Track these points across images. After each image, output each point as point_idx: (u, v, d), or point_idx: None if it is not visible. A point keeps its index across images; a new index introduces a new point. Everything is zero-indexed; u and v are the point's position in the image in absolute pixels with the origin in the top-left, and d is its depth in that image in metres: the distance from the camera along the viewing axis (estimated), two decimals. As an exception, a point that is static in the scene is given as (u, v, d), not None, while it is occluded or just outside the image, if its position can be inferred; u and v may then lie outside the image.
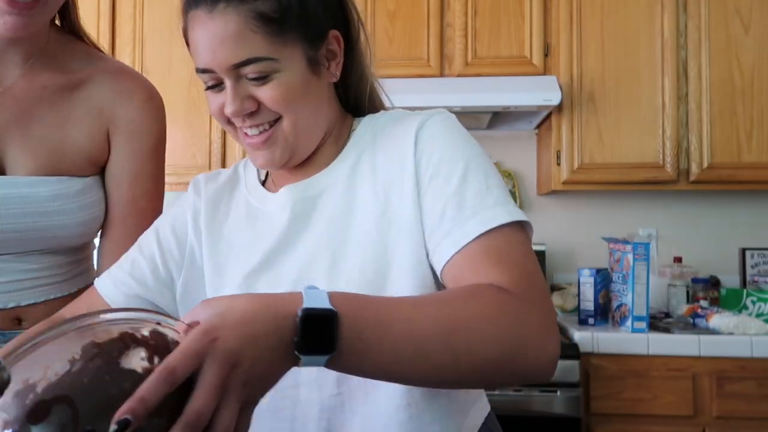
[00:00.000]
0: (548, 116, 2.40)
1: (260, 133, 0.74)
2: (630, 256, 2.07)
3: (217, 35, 0.70)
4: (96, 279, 0.84)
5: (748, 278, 2.48)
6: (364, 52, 0.84)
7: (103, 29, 2.52)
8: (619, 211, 2.67)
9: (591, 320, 2.17)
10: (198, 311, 0.50)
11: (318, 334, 0.50)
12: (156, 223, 0.87)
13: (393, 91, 2.52)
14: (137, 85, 1.01)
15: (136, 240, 0.87)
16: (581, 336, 2.02)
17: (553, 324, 0.64)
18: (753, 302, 2.18)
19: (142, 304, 0.79)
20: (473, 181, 0.71)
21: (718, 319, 2.04)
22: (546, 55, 2.36)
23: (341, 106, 0.84)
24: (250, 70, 0.71)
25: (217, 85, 0.74)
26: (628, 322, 2.06)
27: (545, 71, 2.35)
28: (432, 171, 0.72)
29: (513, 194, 2.69)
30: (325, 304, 0.51)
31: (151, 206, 1.01)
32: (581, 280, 2.20)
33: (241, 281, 0.77)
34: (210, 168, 2.46)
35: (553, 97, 2.20)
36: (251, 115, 0.73)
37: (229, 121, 0.76)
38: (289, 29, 0.71)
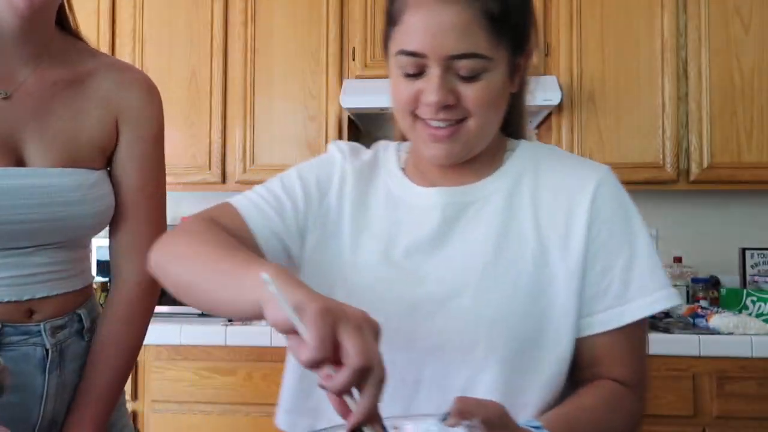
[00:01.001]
0: (548, 116, 2.40)
1: (446, 127, 0.73)
2: (630, 256, 2.07)
3: (445, 23, 0.69)
4: (235, 201, 0.81)
5: (748, 278, 2.48)
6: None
7: (103, 29, 2.52)
8: (619, 211, 2.67)
9: (591, 320, 2.17)
10: (467, 410, 0.57)
11: None
12: (297, 169, 0.85)
13: (393, 91, 2.42)
14: (138, 77, 1.07)
15: (150, 229, 0.95)
16: (581, 336, 2.02)
17: (644, 406, 0.77)
18: (753, 302, 2.18)
19: (276, 243, 0.79)
20: (641, 260, 0.75)
21: (718, 319, 2.04)
22: (546, 55, 2.36)
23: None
24: (464, 65, 0.70)
25: (417, 74, 0.73)
26: (629, 322, 2.06)
27: (545, 71, 2.35)
28: (605, 236, 0.75)
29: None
30: None
31: (158, 192, 1.05)
32: (581, 280, 2.20)
33: (379, 266, 0.77)
34: (210, 168, 2.46)
35: (553, 97, 2.20)
36: (446, 108, 0.72)
37: (412, 112, 0.75)
38: (505, 33, 0.72)
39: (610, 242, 0.75)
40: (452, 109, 0.73)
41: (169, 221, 3.02)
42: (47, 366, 0.92)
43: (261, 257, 0.74)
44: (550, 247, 0.75)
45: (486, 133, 0.76)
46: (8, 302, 0.89)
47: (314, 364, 0.52)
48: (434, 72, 0.71)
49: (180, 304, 2.55)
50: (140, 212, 1.01)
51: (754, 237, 2.60)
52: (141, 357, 2.15)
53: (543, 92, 2.22)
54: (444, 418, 0.57)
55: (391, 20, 0.79)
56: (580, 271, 0.74)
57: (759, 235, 2.61)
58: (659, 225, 2.66)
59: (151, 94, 1.08)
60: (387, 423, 0.56)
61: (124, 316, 0.99)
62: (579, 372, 0.76)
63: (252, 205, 0.80)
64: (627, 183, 2.55)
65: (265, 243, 0.78)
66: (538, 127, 2.65)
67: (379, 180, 0.83)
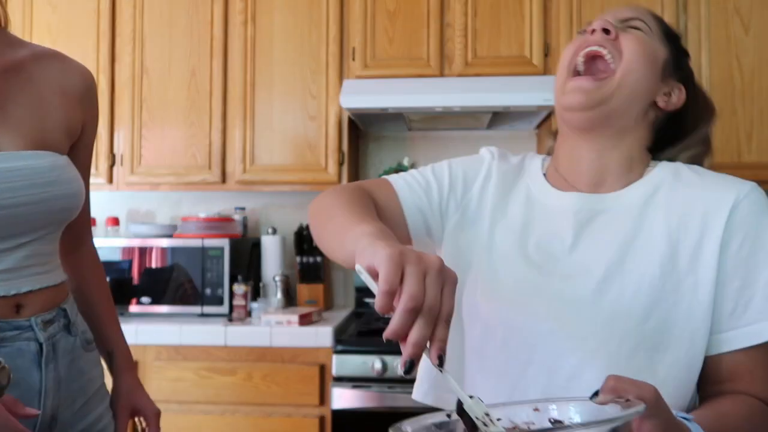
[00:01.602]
0: (548, 116, 2.40)
1: (593, 78, 0.82)
2: (630, 256, 2.07)
3: (623, 7, 0.89)
4: (390, 177, 0.92)
5: (748, 278, 2.48)
6: (697, 117, 0.93)
7: (103, 29, 2.52)
8: (619, 211, 2.67)
9: (591, 320, 2.17)
10: (631, 389, 0.58)
11: None
12: (449, 162, 0.94)
13: (393, 91, 2.55)
14: (81, 66, 1.09)
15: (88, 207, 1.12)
16: (581, 336, 2.01)
17: None
18: (753, 302, 2.18)
19: (419, 218, 0.89)
20: None
21: (718, 319, 2.04)
22: (546, 55, 2.36)
23: (647, 147, 0.89)
24: (630, 23, 0.85)
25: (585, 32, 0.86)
26: None
27: (545, 71, 2.35)
28: (747, 252, 0.75)
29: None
30: None
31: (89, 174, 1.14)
32: (581, 280, 2.20)
33: (510, 255, 0.83)
34: (210, 168, 2.46)
35: (553, 97, 2.19)
36: (605, 32, 0.83)
37: (571, 66, 0.85)
38: (669, 40, 0.87)
39: (751, 258, 0.75)
40: (610, 40, 0.83)
41: (168, 221, 3.04)
42: (43, 360, 0.94)
43: (403, 226, 0.88)
44: (680, 255, 0.77)
45: (624, 90, 0.81)
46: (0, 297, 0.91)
47: (382, 307, 0.54)
48: (607, 23, 0.84)
49: (180, 304, 2.55)
50: (87, 192, 1.10)
51: (754, 237, 2.60)
52: (141, 357, 2.15)
53: (543, 92, 2.22)
54: (593, 396, 0.58)
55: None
56: (711, 283, 0.75)
57: (759, 235, 2.61)
58: (659, 225, 2.66)
59: (94, 83, 1.11)
60: (528, 405, 0.60)
61: (95, 263, 1.18)
62: (715, 386, 0.77)
63: (403, 181, 0.91)
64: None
65: (410, 215, 0.88)
66: (538, 127, 2.65)
67: (521, 181, 0.90)
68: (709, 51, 2.30)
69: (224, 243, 2.35)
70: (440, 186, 0.90)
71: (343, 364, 2.06)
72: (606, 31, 0.83)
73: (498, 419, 0.56)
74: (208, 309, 2.33)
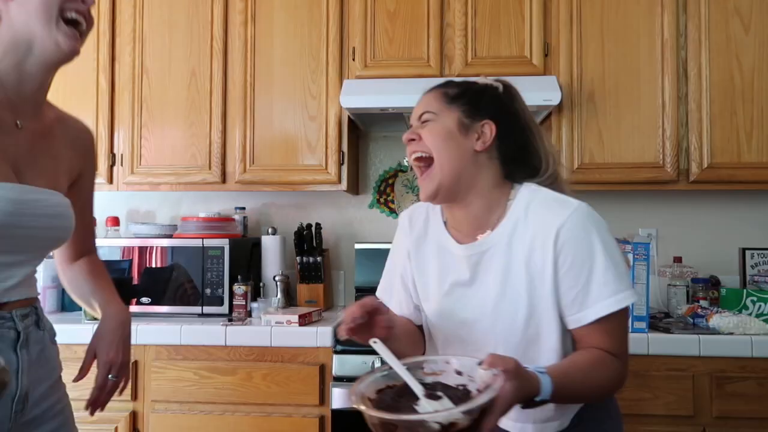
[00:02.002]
0: (548, 116, 2.40)
1: (424, 176, 1.14)
2: (630, 256, 2.07)
3: (421, 103, 1.20)
4: (379, 294, 1.34)
5: (748, 278, 2.48)
6: (526, 140, 1.17)
7: (103, 29, 2.52)
8: (619, 211, 2.67)
9: (591, 320, 2.17)
10: (499, 363, 0.90)
11: (539, 404, 0.97)
12: (394, 255, 1.31)
13: (393, 91, 2.56)
14: (87, 129, 1.36)
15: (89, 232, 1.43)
16: (581, 336, 2.02)
17: (627, 369, 1.10)
18: (753, 302, 2.18)
19: (410, 304, 1.28)
20: (596, 276, 1.05)
21: (718, 319, 2.04)
22: (546, 55, 2.36)
23: (502, 176, 1.16)
24: (423, 118, 1.16)
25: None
26: (628, 322, 2.06)
27: (545, 71, 2.35)
28: (568, 265, 1.06)
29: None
30: (546, 394, 0.95)
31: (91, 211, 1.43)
32: (581, 280, 2.20)
33: (438, 298, 1.19)
34: (210, 168, 2.46)
35: (553, 97, 2.20)
36: (412, 142, 1.16)
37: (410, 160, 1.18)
38: (455, 102, 1.16)
39: (572, 269, 1.06)
40: (417, 142, 1.15)
41: (168, 221, 3.04)
42: (18, 345, 1.12)
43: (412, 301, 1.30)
44: (535, 278, 1.08)
45: (446, 169, 1.12)
46: None
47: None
48: (413, 126, 1.18)
49: (180, 304, 2.54)
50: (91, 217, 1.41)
51: (754, 237, 2.60)
52: (141, 357, 2.15)
53: (543, 92, 2.21)
54: (479, 363, 0.92)
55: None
56: (554, 291, 1.07)
57: (759, 235, 2.61)
58: (659, 225, 2.66)
59: (93, 139, 1.39)
60: (440, 358, 1.00)
61: (98, 262, 1.43)
62: (577, 348, 1.11)
63: (392, 298, 1.32)
64: (627, 183, 2.55)
65: (409, 305, 1.30)
66: (538, 127, 2.66)
67: (432, 235, 1.23)
68: (709, 51, 2.30)
69: (224, 243, 2.35)
70: (404, 282, 1.28)
71: (343, 364, 2.06)
72: (413, 139, 1.15)
73: (423, 372, 0.98)
74: (208, 309, 2.33)
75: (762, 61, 2.29)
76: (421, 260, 1.23)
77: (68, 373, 1.28)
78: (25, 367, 1.12)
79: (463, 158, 1.12)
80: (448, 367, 0.97)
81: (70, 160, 1.26)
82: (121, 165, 2.52)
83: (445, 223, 1.22)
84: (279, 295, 2.41)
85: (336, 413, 2.03)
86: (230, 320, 2.26)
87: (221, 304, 2.33)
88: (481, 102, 1.15)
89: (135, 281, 2.35)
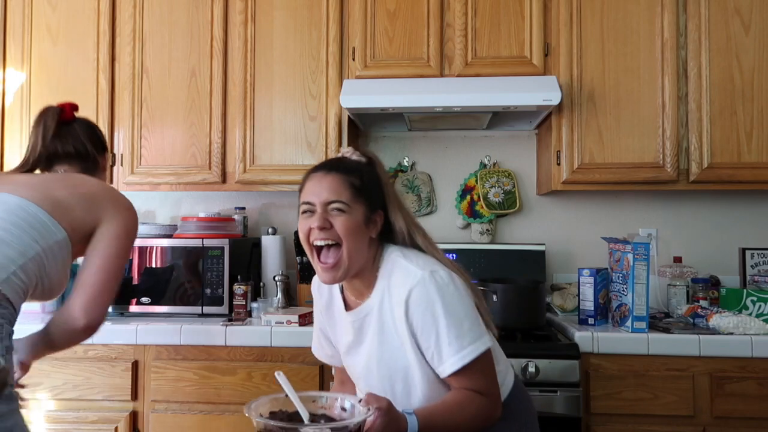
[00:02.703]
0: (548, 116, 2.40)
1: (331, 264, 1.28)
2: (630, 256, 2.07)
3: (324, 185, 1.28)
4: (314, 351, 1.59)
5: (748, 278, 2.48)
6: (395, 216, 1.34)
7: (103, 29, 2.52)
8: (619, 211, 2.67)
9: (591, 320, 2.17)
10: (373, 401, 1.10)
11: None
12: (315, 315, 1.52)
13: (393, 91, 2.56)
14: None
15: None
16: (581, 336, 2.02)
17: (500, 402, 1.28)
18: (753, 302, 2.18)
19: (337, 354, 1.49)
20: (442, 338, 1.22)
21: (718, 319, 2.04)
22: (546, 55, 2.36)
23: (377, 247, 1.34)
24: (334, 206, 1.26)
25: (310, 214, 1.28)
26: (628, 322, 2.06)
27: (545, 71, 2.35)
28: (419, 330, 1.24)
29: (513, 194, 2.69)
30: (414, 430, 1.15)
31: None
32: (581, 280, 2.20)
33: (344, 352, 1.41)
34: (210, 168, 2.46)
35: (553, 97, 2.20)
36: (324, 230, 1.26)
37: (309, 242, 1.29)
38: (361, 196, 1.29)
39: (423, 330, 1.23)
40: (328, 230, 1.26)
41: (168, 221, 3.04)
42: None
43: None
44: (401, 336, 1.27)
45: (352, 256, 1.27)
46: None
47: None
48: (318, 210, 1.27)
49: (180, 304, 2.54)
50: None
51: (754, 237, 2.60)
52: (141, 357, 2.15)
53: (543, 92, 2.21)
54: (360, 401, 1.11)
55: (300, 192, 1.33)
56: (416, 348, 1.26)
57: (759, 235, 2.61)
58: (659, 225, 2.66)
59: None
60: (331, 395, 1.16)
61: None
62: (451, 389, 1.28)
63: (321, 350, 1.57)
64: (627, 183, 2.54)
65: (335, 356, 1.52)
66: (538, 127, 2.65)
67: (335, 303, 1.43)
68: (709, 51, 2.30)
69: (224, 243, 2.35)
70: (327, 338, 1.51)
71: (343, 364, 2.06)
72: (323, 226, 1.26)
73: (315, 402, 1.15)
74: (208, 309, 2.33)
75: (762, 61, 2.29)
76: (330, 322, 1.45)
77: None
78: None
79: (364, 246, 1.29)
80: (336, 403, 1.14)
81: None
82: (121, 165, 2.52)
83: (341, 288, 1.41)
84: (279, 295, 2.41)
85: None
86: (230, 320, 2.26)
87: (221, 304, 2.33)
88: (375, 193, 1.31)
89: (135, 281, 2.35)
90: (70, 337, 1.42)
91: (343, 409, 1.12)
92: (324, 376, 2.09)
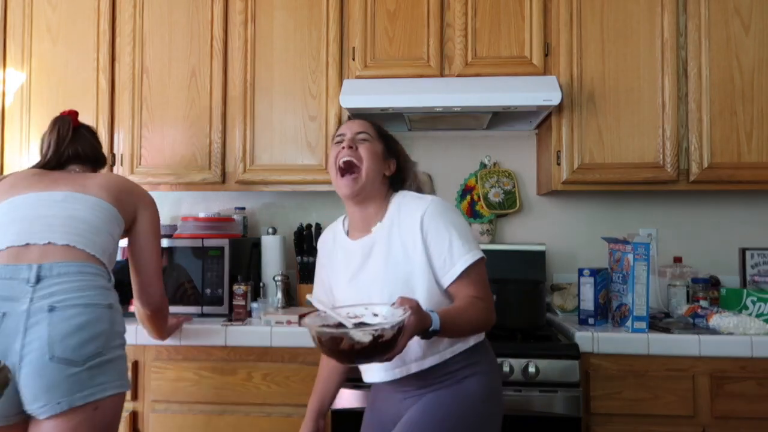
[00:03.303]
0: (548, 116, 2.40)
1: (352, 178, 1.53)
2: (630, 256, 2.07)
3: (355, 124, 1.61)
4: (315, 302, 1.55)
5: (748, 278, 2.48)
6: (406, 170, 1.66)
7: (103, 29, 2.52)
8: (619, 211, 2.67)
9: (591, 320, 2.17)
10: (405, 302, 1.27)
11: (433, 335, 1.33)
12: (319, 267, 1.70)
13: (393, 91, 2.57)
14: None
15: None
16: (581, 336, 2.02)
17: (494, 310, 1.49)
18: (753, 302, 2.18)
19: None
20: (454, 242, 1.46)
21: (718, 319, 2.04)
22: (546, 55, 2.36)
23: (388, 190, 1.60)
24: (360, 136, 1.57)
25: (340, 141, 1.58)
26: (628, 322, 2.06)
27: (545, 71, 2.35)
28: (432, 238, 1.47)
29: (513, 194, 2.69)
30: (437, 326, 1.31)
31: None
32: (581, 280, 2.20)
33: (345, 284, 1.57)
34: (210, 168, 2.46)
35: (553, 97, 2.20)
36: (350, 148, 1.54)
37: (336, 165, 1.55)
38: (381, 139, 1.61)
39: (437, 237, 1.46)
40: (354, 151, 1.54)
41: (168, 221, 3.04)
42: None
43: None
44: (410, 252, 1.48)
45: (369, 178, 1.53)
46: None
47: None
48: (348, 136, 1.57)
49: (180, 304, 2.54)
50: None
51: (754, 237, 2.60)
52: (141, 357, 2.15)
53: (543, 92, 2.21)
54: (392, 304, 1.29)
55: (336, 132, 1.65)
56: (425, 259, 1.47)
57: (759, 235, 2.61)
58: (659, 225, 2.66)
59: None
60: (360, 306, 1.36)
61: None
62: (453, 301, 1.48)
63: (321, 296, 1.68)
64: (627, 183, 2.54)
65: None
66: (538, 127, 2.65)
67: (338, 241, 1.64)
68: (709, 51, 2.30)
69: (224, 243, 2.35)
70: (323, 285, 1.69)
71: (343, 364, 2.06)
72: (351, 146, 1.54)
73: (347, 314, 1.32)
74: (208, 309, 2.33)
75: (762, 61, 2.29)
76: (332, 266, 1.64)
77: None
78: None
79: (378, 175, 1.55)
80: (367, 312, 1.33)
81: None
82: (121, 165, 2.52)
83: (346, 233, 1.62)
84: (279, 295, 2.41)
85: (336, 413, 2.03)
86: (230, 320, 2.26)
87: (221, 304, 2.33)
88: (390, 146, 1.62)
89: (135, 281, 2.35)
90: (152, 326, 1.97)
91: (375, 314, 1.31)
92: (324, 376, 2.09)
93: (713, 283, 2.40)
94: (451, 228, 1.47)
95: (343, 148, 1.54)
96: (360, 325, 1.25)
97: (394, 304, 1.28)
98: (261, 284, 2.51)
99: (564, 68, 2.33)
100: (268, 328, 2.13)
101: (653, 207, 2.66)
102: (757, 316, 2.14)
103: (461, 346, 1.51)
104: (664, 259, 2.58)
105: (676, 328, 2.07)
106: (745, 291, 2.21)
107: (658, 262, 2.55)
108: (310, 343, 2.10)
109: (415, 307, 1.26)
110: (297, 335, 2.12)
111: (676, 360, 1.99)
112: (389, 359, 1.25)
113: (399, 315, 1.22)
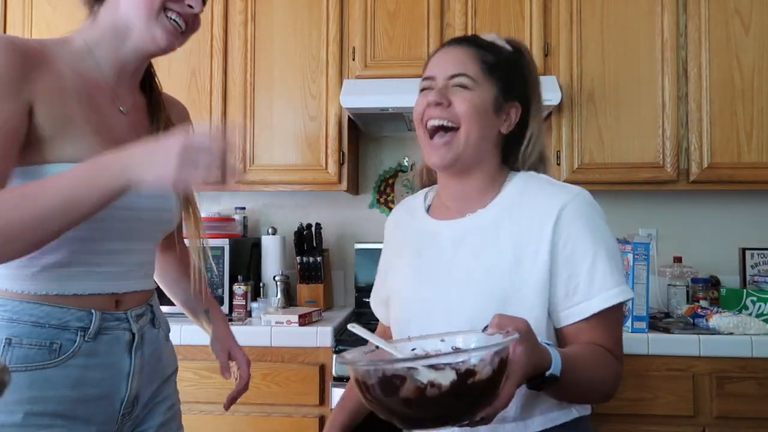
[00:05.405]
0: (548, 116, 2.40)
1: (443, 142, 1.04)
2: (630, 256, 2.07)
3: (448, 57, 1.07)
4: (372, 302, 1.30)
5: (748, 278, 2.48)
6: (535, 132, 1.12)
7: (103, 29, 2.52)
8: (619, 211, 2.67)
9: (591, 320, 2.17)
10: (508, 323, 0.81)
11: (549, 383, 0.88)
12: (383, 259, 1.27)
13: (393, 91, 2.56)
14: (185, 110, 1.48)
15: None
16: (581, 336, 2.02)
17: (622, 375, 1.02)
18: (753, 302, 2.18)
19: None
20: (601, 266, 0.98)
21: (718, 319, 2.04)
22: (546, 55, 2.36)
23: (501, 161, 1.11)
24: (456, 81, 1.04)
25: (429, 89, 1.06)
26: (628, 322, 2.06)
27: (545, 71, 2.35)
28: (569, 251, 0.99)
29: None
30: (557, 370, 0.86)
31: None
32: (581, 280, 2.20)
33: (407, 282, 1.12)
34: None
35: (553, 97, 2.20)
36: (440, 106, 1.03)
37: (422, 122, 1.06)
38: (493, 74, 1.05)
39: (574, 256, 0.99)
40: (445, 108, 1.03)
41: (169, 221, 2.98)
42: (133, 347, 1.11)
43: None
44: (523, 260, 1.00)
45: (471, 143, 1.04)
46: (106, 294, 1.07)
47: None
48: (439, 84, 1.05)
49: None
50: None
51: (754, 237, 2.60)
52: (141, 357, 2.15)
53: (543, 92, 2.21)
54: (484, 329, 0.83)
55: (424, 71, 1.11)
56: (546, 277, 0.99)
57: (759, 235, 2.61)
58: (659, 225, 2.66)
59: (189, 116, 1.48)
60: (435, 337, 0.87)
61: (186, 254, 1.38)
62: (565, 347, 1.01)
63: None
64: (627, 183, 2.54)
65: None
66: (538, 127, 2.65)
67: (414, 223, 1.17)
68: (709, 51, 2.30)
69: (224, 243, 2.35)
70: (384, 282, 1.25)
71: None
72: (440, 101, 1.03)
73: (413, 349, 0.87)
74: (208, 309, 2.33)
75: (762, 61, 2.29)
76: (399, 253, 1.19)
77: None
78: (137, 370, 1.11)
79: (489, 137, 1.06)
80: (445, 344, 0.85)
81: None
82: (121, 165, 2.51)
83: (427, 209, 1.18)
84: (279, 295, 2.41)
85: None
86: (230, 320, 2.26)
87: (221, 304, 2.33)
88: (514, 80, 1.08)
89: (135, 281, 2.35)
90: None
91: (456, 349, 0.83)
92: (324, 376, 2.09)
93: (713, 283, 2.40)
94: (599, 243, 0.99)
95: (430, 103, 1.04)
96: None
97: (486, 328, 0.83)
98: (261, 284, 2.51)
99: (564, 68, 2.33)
100: (268, 328, 2.13)
101: (653, 207, 2.66)
102: (757, 316, 2.14)
103: (559, 416, 1.03)
104: (664, 259, 2.58)
105: (676, 328, 2.07)
106: (745, 291, 2.21)
107: (658, 262, 2.55)
108: (310, 343, 2.11)
109: (525, 331, 0.80)
110: (297, 335, 2.12)
111: (676, 360, 1.99)
112: (486, 420, 0.77)
113: (496, 340, 0.77)
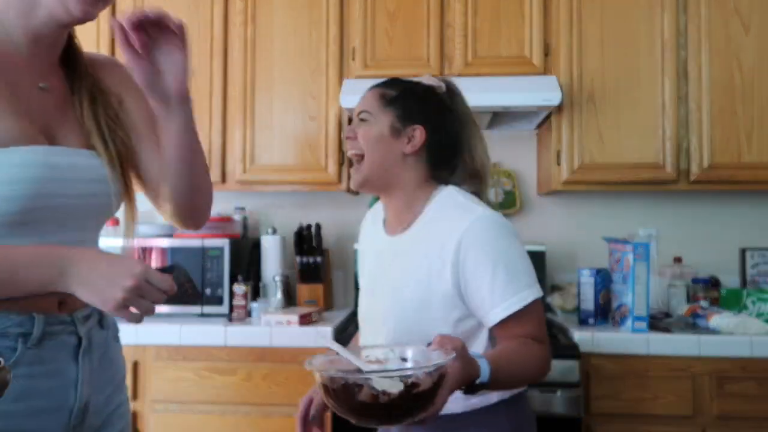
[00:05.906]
0: (548, 116, 2.40)
1: (356, 168, 1.26)
2: (630, 256, 2.07)
3: (362, 98, 1.31)
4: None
5: (748, 278, 2.48)
6: (456, 142, 1.27)
7: (103, 29, 2.52)
8: (619, 211, 2.67)
9: (591, 320, 2.17)
10: (447, 342, 0.96)
11: (480, 388, 1.03)
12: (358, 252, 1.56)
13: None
14: (106, 57, 1.22)
15: None
16: (581, 336, 2.02)
17: (550, 357, 1.18)
18: (753, 302, 2.18)
19: None
20: (499, 280, 1.13)
21: (718, 319, 2.04)
22: (546, 55, 2.36)
23: (427, 177, 1.25)
24: (360, 116, 1.28)
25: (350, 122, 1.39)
26: (628, 322, 2.06)
27: (545, 71, 2.35)
28: (471, 270, 1.14)
29: (513, 194, 2.69)
30: (486, 377, 1.01)
31: None
32: (581, 280, 2.20)
33: (363, 291, 1.36)
34: (210, 168, 2.45)
35: (553, 97, 2.20)
36: (349, 139, 1.28)
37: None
38: (391, 106, 1.25)
39: (476, 273, 1.13)
40: (353, 140, 1.26)
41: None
42: (80, 353, 1.00)
43: None
44: (432, 275, 1.16)
45: (375, 167, 1.23)
46: (45, 295, 0.93)
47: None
48: (354, 120, 1.30)
49: (180, 304, 2.54)
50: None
51: (754, 237, 2.60)
52: (141, 357, 2.15)
53: (543, 92, 2.21)
54: (428, 345, 0.98)
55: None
56: (454, 292, 1.16)
57: (759, 235, 2.61)
58: (659, 225, 2.66)
59: (119, 64, 1.19)
60: (386, 348, 1.02)
61: None
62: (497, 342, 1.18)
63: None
64: (627, 183, 2.54)
65: None
66: (538, 127, 2.65)
67: (377, 231, 1.35)
68: (709, 51, 2.30)
69: (224, 243, 2.35)
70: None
71: (343, 364, 2.06)
72: (349, 137, 1.27)
73: (366, 356, 1.01)
74: (208, 309, 2.33)
75: (762, 61, 2.29)
76: (363, 259, 1.41)
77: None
78: (86, 376, 1.00)
79: (390, 159, 1.23)
80: (393, 355, 1.00)
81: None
82: (121, 165, 2.51)
83: (384, 221, 1.34)
84: (279, 295, 2.41)
85: (336, 414, 2.03)
86: (230, 320, 2.26)
87: (221, 304, 2.33)
88: (415, 106, 1.24)
89: (135, 281, 2.35)
90: None
91: (404, 359, 0.99)
92: (324, 376, 2.09)
93: (713, 283, 2.40)
94: (498, 260, 1.13)
95: (347, 137, 1.29)
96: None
97: (430, 344, 0.97)
98: (261, 284, 2.51)
99: (564, 68, 2.33)
100: (268, 328, 2.13)
101: (653, 207, 2.66)
102: (757, 316, 2.14)
103: (497, 394, 1.19)
104: (664, 259, 2.58)
105: (676, 328, 2.07)
106: (745, 291, 2.21)
107: (658, 262, 2.55)
108: (310, 343, 2.11)
109: (460, 350, 0.95)
110: (297, 335, 2.12)
111: (676, 360, 1.99)
112: (424, 422, 0.93)
113: (437, 359, 0.91)
